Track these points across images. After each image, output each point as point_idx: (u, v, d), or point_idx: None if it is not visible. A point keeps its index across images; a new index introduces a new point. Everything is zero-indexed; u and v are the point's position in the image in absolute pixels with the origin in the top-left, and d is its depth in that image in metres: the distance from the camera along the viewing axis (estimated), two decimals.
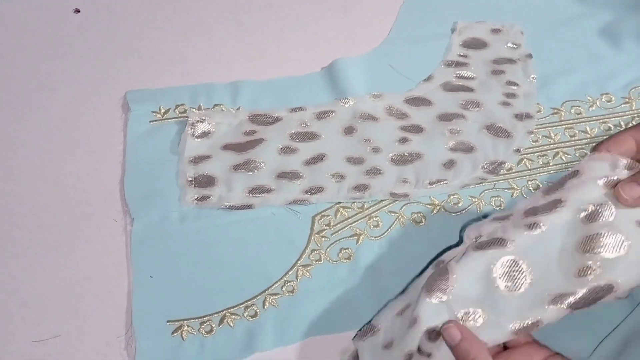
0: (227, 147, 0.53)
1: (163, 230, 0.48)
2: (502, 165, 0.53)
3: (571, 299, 0.37)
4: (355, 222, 0.50)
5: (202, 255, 0.47)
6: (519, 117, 0.55)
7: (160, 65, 0.58)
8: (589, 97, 0.58)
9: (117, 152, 0.53)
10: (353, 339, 0.43)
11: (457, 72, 0.59)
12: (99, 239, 0.48)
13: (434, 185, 0.51)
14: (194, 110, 0.55)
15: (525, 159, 0.54)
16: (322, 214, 0.50)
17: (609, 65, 0.60)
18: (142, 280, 0.46)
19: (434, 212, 0.50)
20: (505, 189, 0.52)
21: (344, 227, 0.49)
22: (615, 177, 0.39)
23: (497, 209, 0.50)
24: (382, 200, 0.51)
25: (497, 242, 0.39)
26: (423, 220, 0.50)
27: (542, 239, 0.39)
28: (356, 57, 0.60)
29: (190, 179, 0.51)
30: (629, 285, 0.37)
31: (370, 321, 0.43)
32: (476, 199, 0.51)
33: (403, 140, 0.54)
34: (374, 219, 0.50)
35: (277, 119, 0.55)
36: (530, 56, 0.60)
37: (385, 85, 0.58)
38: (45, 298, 0.45)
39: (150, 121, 0.54)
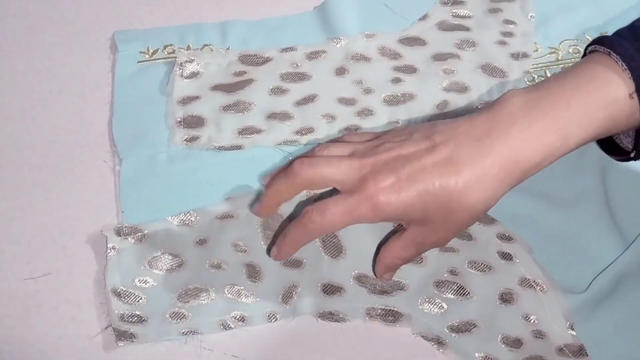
0: (216, 87, 0.52)
1: (151, 170, 0.48)
2: None
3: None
4: None
5: (191, 195, 0.47)
6: (515, 56, 0.54)
7: (148, 5, 0.57)
8: (587, 37, 0.56)
9: (106, 93, 0.52)
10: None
11: (454, 11, 0.57)
12: (88, 179, 0.48)
13: None
14: (182, 50, 0.54)
15: None
16: None
17: (609, 5, 0.58)
18: (132, 220, 0.46)
19: None
20: None
21: None
22: None
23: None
24: None
25: None
26: None
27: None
28: None
29: (179, 119, 0.50)
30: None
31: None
32: None
33: (396, 81, 0.53)
34: None
35: (268, 60, 0.54)
36: None
37: (379, 25, 0.56)
38: (35, 237, 0.46)
39: (138, 62, 0.53)
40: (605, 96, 0.36)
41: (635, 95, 0.36)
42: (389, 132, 0.41)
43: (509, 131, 0.36)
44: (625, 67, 0.36)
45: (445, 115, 0.51)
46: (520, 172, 0.36)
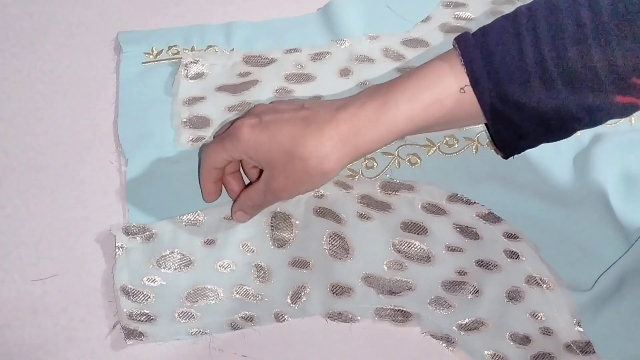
0: (221, 88, 0.52)
1: (158, 171, 0.48)
2: None
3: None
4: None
5: (197, 195, 0.47)
6: None
7: (153, 6, 0.57)
8: None
9: (111, 94, 0.52)
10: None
11: (456, 13, 0.58)
12: (94, 180, 0.48)
13: None
14: (187, 51, 0.54)
15: None
16: None
17: None
18: (138, 220, 0.46)
19: (430, 153, 0.50)
20: None
21: None
22: None
23: (493, 150, 0.50)
24: None
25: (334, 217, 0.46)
26: (418, 161, 0.50)
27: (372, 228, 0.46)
28: None
29: (185, 120, 0.50)
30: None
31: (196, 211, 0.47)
32: (473, 141, 0.51)
33: None
34: (369, 160, 0.50)
35: (272, 60, 0.54)
36: None
37: (382, 27, 0.57)
38: (42, 238, 0.46)
39: (142, 62, 0.53)
40: (433, 95, 0.41)
41: (466, 89, 0.40)
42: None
43: (356, 111, 0.41)
44: (463, 62, 0.40)
45: None
46: (353, 146, 0.41)
